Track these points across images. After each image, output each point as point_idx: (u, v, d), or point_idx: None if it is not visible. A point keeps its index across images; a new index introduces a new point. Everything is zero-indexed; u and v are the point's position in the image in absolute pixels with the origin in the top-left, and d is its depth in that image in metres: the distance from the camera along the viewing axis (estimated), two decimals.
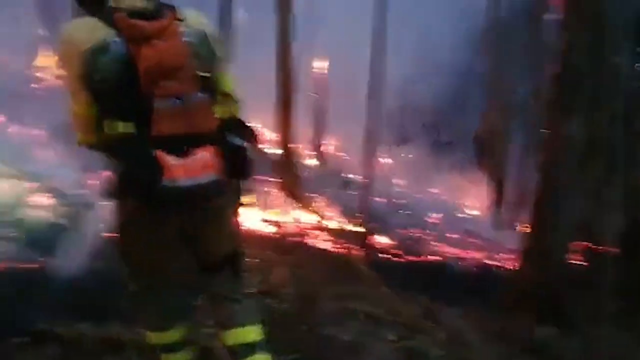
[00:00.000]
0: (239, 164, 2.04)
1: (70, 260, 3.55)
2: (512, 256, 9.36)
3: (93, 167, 6.03)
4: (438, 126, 16.80)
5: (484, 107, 14.01)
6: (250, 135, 2.11)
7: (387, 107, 6.03)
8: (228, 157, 1.98)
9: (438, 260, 7.57)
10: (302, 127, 11.73)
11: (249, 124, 2.15)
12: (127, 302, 2.21)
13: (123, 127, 1.84)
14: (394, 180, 14.71)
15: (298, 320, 3.63)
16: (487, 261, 8.65)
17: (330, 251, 6.07)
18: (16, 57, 9.99)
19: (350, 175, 12.97)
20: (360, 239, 6.02)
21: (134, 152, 1.83)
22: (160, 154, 1.82)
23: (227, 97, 2.12)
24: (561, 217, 4.98)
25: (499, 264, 8.70)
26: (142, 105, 1.83)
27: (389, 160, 15.26)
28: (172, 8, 1.97)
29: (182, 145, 1.87)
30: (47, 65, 11.40)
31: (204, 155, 1.91)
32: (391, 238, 7.90)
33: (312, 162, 13.21)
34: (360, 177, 12.58)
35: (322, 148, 13.81)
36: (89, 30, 1.85)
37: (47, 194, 5.39)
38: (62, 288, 3.52)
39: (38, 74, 11.10)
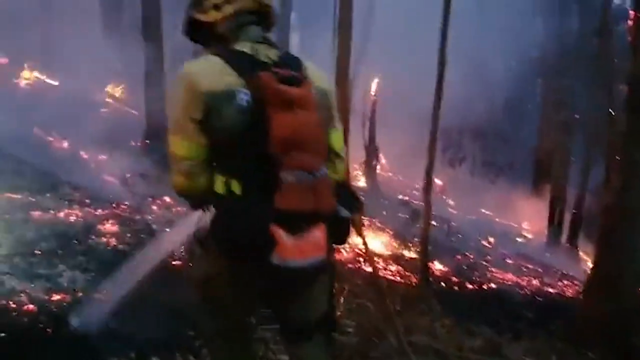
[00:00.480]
0: (342, 235, 1.92)
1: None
2: (571, 282, 9.09)
3: (159, 194, 6.19)
4: (494, 146, 16.51)
5: (543, 126, 13.69)
6: (356, 205, 1.98)
7: (442, 126, 5.96)
8: (333, 229, 1.82)
9: (495, 288, 7.37)
10: (356, 149, 11.75)
11: (354, 191, 2.02)
12: (202, 344, 2.13)
13: (239, 189, 1.69)
14: (447, 202, 14.49)
15: (361, 354, 3.55)
16: (545, 288, 8.40)
17: (388, 279, 6.00)
18: (87, 82, 10.28)
19: (400, 196, 12.85)
20: (419, 266, 5.91)
21: (249, 221, 1.66)
22: (275, 230, 1.65)
23: (335, 156, 1.95)
24: (634, 245, 4.82)
25: (558, 291, 8.43)
26: (267, 172, 1.66)
27: (442, 181, 15.04)
28: (298, 61, 1.83)
29: (301, 223, 1.71)
30: (116, 91, 11.78)
31: (317, 235, 1.75)
32: (446, 264, 7.77)
33: (364, 184, 13.14)
34: (409, 198, 12.52)
35: (374, 170, 13.73)
36: (214, 73, 1.71)
37: (115, 221, 5.45)
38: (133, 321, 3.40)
39: (108, 100, 11.37)
